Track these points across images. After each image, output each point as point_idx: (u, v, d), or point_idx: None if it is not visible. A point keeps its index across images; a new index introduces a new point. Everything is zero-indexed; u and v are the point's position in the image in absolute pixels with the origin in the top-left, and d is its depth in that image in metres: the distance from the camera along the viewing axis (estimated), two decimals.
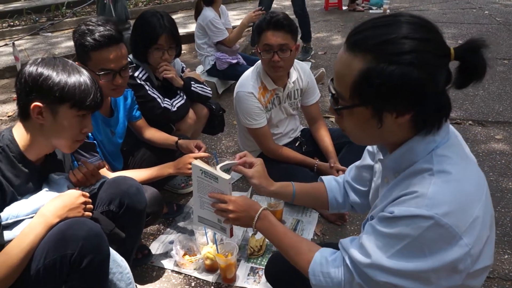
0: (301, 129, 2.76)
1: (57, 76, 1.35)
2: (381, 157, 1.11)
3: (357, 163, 1.42)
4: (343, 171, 1.70)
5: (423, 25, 0.93)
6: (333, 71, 1.02)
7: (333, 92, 1.01)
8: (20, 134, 1.41)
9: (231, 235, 1.39)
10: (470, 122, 3.42)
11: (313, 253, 1.13)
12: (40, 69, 1.35)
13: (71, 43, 6.46)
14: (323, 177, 1.52)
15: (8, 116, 3.97)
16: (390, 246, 0.94)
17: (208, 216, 1.41)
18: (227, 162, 1.41)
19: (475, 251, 0.92)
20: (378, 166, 1.23)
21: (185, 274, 2.00)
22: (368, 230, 1.01)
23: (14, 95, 4.47)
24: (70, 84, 1.36)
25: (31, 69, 1.35)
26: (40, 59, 1.39)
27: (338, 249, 1.12)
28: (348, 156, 2.32)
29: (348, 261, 1.04)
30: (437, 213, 0.88)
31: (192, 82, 2.51)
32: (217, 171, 1.33)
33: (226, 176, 1.30)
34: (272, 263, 1.48)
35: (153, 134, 2.28)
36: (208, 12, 3.91)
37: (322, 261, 1.10)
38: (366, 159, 1.36)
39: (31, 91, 1.35)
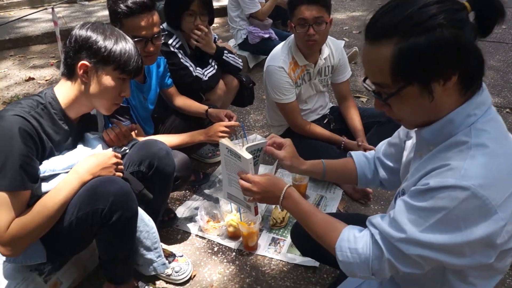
0: (330, 107, 2.74)
1: (105, 40, 1.42)
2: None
3: (389, 139, 1.41)
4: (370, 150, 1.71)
5: None
6: (364, 69, 1.01)
7: (373, 87, 1.00)
8: (62, 93, 1.47)
9: (256, 213, 1.42)
10: (507, 110, 3.30)
11: (340, 230, 1.11)
12: (90, 32, 1.42)
13: (107, 12, 6.56)
14: (352, 152, 1.52)
15: (46, 80, 4.10)
16: (424, 219, 0.94)
17: (235, 193, 1.44)
18: (256, 142, 1.42)
19: (510, 226, 0.91)
20: (410, 142, 1.22)
21: (208, 239, 2.06)
22: (400, 204, 1.00)
23: (52, 60, 4.61)
24: (117, 48, 1.43)
25: (82, 31, 1.42)
26: (90, 23, 1.45)
27: (363, 222, 1.11)
28: (377, 136, 2.27)
29: (378, 237, 1.03)
30: (473, 184, 0.88)
31: (225, 51, 2.52)
32: (240, 150, 1.33)
33: (247, 156, 1.30)
34: (299, 225, 1.52)
35: (183, 101, 2.31)
36: None
37: (349, 238, 1.08)
38: (398, 136, 1.34)
39: (80, 50, 1.41)
